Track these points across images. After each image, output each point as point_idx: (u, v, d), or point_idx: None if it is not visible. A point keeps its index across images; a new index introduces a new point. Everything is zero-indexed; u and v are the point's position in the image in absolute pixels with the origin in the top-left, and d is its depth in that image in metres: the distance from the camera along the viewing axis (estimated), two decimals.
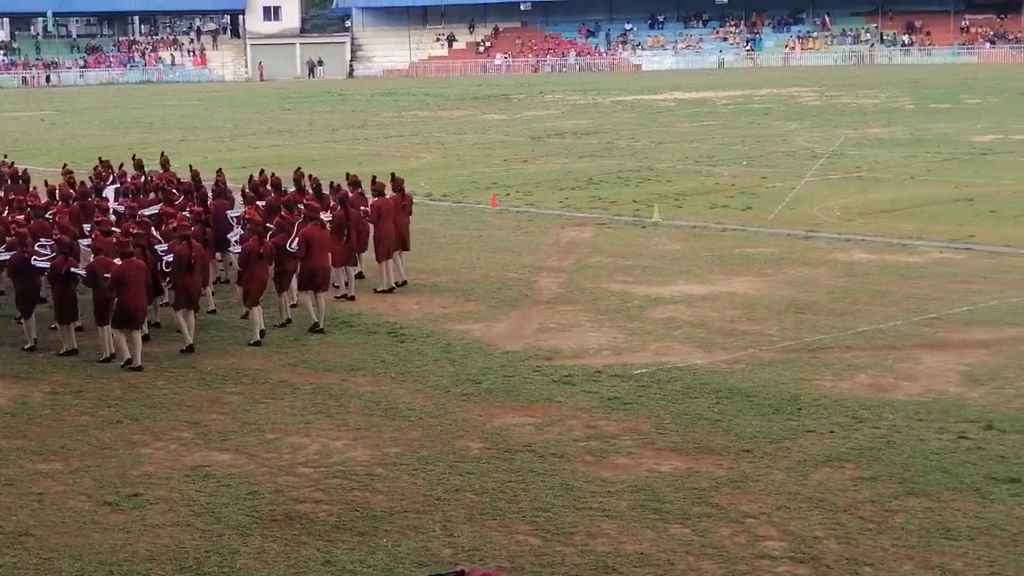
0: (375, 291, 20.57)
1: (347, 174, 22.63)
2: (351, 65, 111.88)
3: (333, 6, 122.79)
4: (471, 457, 12.64)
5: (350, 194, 21.12)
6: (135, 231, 17.85)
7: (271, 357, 16.80)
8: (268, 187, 22.61)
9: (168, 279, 18.04)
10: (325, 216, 19.69)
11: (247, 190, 22.21)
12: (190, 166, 25.18)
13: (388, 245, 20.75)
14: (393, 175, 21.82)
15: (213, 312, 19.29)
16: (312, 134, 51.78)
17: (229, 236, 20.08)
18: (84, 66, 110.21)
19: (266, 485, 11.99)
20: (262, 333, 17.56)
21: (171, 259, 17.55)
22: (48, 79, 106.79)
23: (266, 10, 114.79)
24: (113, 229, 18.60)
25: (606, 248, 23.99)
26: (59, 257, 17.36)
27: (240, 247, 18.38)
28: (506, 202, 30.41)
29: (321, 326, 18.08)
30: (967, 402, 13.97)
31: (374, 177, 21.59)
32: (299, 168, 23.71)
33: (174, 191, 22.68)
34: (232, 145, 47.20)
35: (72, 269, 17.35)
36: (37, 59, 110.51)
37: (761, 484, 11.69)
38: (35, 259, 17.74)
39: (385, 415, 14.08)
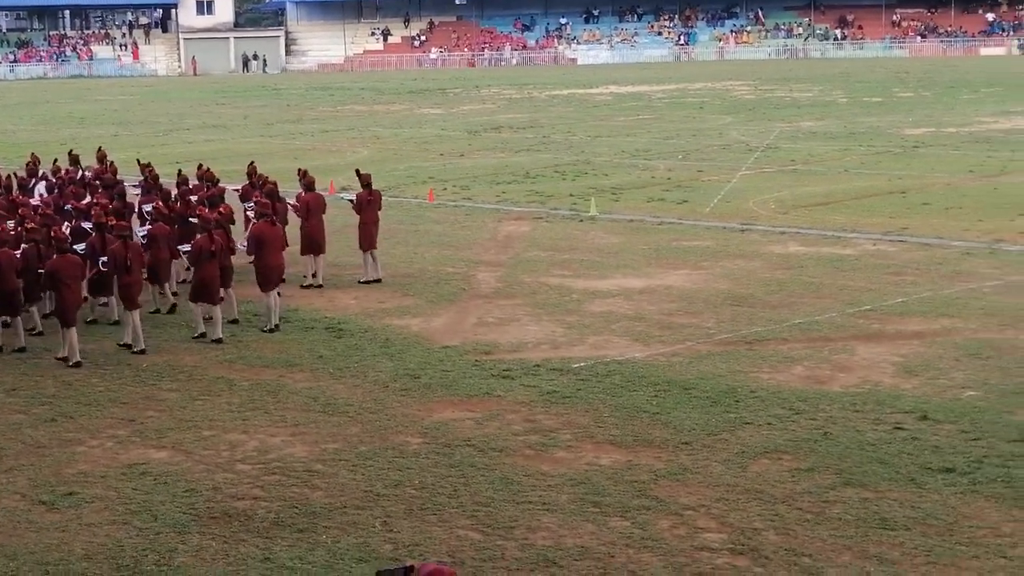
0: (300, 287, 20.42)
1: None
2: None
3: (267, 0, 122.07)
4: (410, 452, 12.60)
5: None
6: (30, 225, 17.73)
7: (207, 353, 16.67)
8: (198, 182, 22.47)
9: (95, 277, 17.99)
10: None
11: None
12: (138, 160, 25.01)
13: (316, 240, 20.63)
14: (358, 171, 21.74)
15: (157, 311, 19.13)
16: (247, 128, 51.46)
17: (136, 230, 19.78)
18: (14, 61, 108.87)
19: (204, 482, 11.89)
20: (202, 335, 17.40)
21: (106, 259, 17.39)
22: None
23: (199, 4, 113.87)
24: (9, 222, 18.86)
25: (543, 242, 24.01)
26: None
27: (190, 245, 18.17)
28: (443, 196, 30.37)
29: (276, 323, 17.91)
30: (902, 393, 14.11)
31: (304, 171, 21.43)
32: (252, 162, 23.52)
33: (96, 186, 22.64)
34: (166, 140, 46.82)
35: None
36: None
37: (700, 476, 11.75)
38: None
39: (323, 411, 14.01)
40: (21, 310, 17.46)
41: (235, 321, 18.22)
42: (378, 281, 20.72)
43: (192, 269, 18.38)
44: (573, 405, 13.95)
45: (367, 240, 20.90)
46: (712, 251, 22.57)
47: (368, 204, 21.00)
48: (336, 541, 10.47)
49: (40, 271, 17.13)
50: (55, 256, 16.67)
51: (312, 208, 20.70)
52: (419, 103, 63.89)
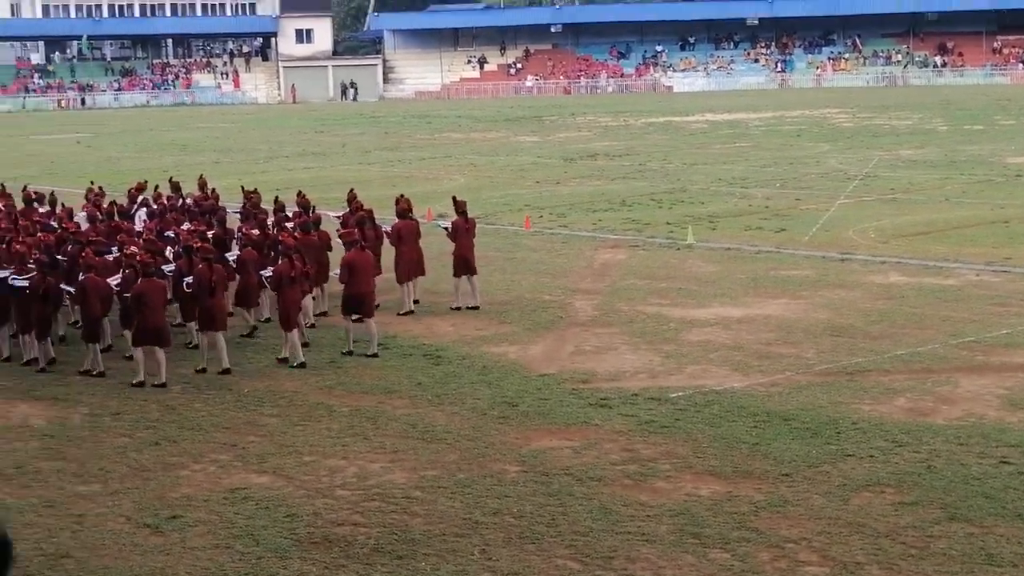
0: (397, 314, 20.52)
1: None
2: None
3: (365, 28, 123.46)
4: (509, 480, 12.61)
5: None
6: (127, 251, 18.13)
7: (307, 379, 16.82)
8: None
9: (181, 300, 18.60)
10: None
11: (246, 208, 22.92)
12: (242, 187, 25.37)
13: (409, 268, 20.77)
14: (455, 198, 21.92)
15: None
16: (345, 156, 51.98)
17: (228, 256, 20.07)
18: (118, 89, 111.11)
19: (304, 508, 11.99)
20: (305, 345, 17.72)
21: (191, 281, 17.79)
22: (83, 102, 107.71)
23: (298, 32, 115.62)
24: (108, 250, 19.48)
25: (640, 270, 23.96)
26: (37, 276, 17.80)
27: (272, 271, 18.50)
28: (539, 224, 30.44)
29: (375, 351, 18.04)
30: (1008, 426, 13.86)
31: (398, 198, 21.64)
32: (352, 190, 23.76)
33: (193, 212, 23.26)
34: (266, 167, 47.41)
35: (62, 286, 17.71)
36: (72, 82, 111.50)
37: (801, 508, 11.63)
38: (13, 278, 18.06)
39: (422, 438, 14.07)
40: (101, 338, 17.90)
41: (312, 326, 18.80)
42: (476, 308, 20.81)
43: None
44: (671, 435, 13.88)
45: (461, 267, 21.02)
46: (811, 280, 22.38)
47: (464, 232, 21.13)
48: (435, 568, 10.49)
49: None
50: (140, 280, 17.08)
51: (404, 235, 20.85)
52: (515, 131, 64.12)
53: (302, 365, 17.41)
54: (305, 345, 18.08)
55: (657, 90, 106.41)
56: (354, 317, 18.30)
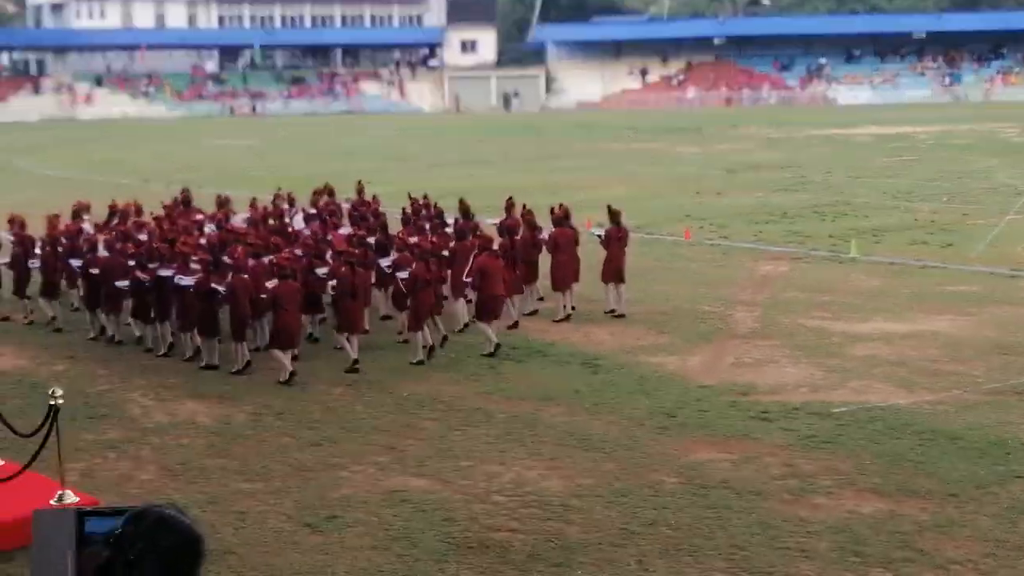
0: (553, 321, 20.60)
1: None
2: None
3: (529, 40, 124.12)
4: (666, 491, 12.50)
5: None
6: (287, 255, 18.42)
7: (466, 384, 16.92)
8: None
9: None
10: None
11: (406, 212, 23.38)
12: (409, 193, 25.59)
13: (565, 275, 20.84)
14: (609, 207, 21.90)
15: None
16: (507, 164, 52.21)
17: (381, 262, 20.23)
18: (288, 96, 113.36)
19: (461, 512, 12.03)
20: (430, 351, 18.19)
21: (335, 283, 18.14)
22: (254, 109, 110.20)
23: (463, 43, 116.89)
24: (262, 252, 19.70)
25: (802, 283, 23.61)
26: (203, 275, 18.17)
27: (407, 273, 18.67)
28: (699, 234, 30.21)
29: (492, 350, 18.30)
30: None
31: (554, 207, 21.68)
32: (510, 198, 23.89)
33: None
34: (429, 175, 47.81)
35: (213, 286, 18.03)
36: (244, 90, 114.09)
37: (967, 530, 11.31)
38: (179, 277, 18.43)
39: (579, 446, 14.03)
40: (248, 337, 18.37)
41: (446, 337, 18.93)
42: (622, 316, 20.79)
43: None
44: (833, 451, 13.62)
45: (611, 274, 21.09)
46: (979, 297, 21.81)
47: (615, 240, 21.19)
48: None
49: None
50: (276, 282, 17.45)
51: (560, 243, 20.93)
52: (676, 142, 63.77)
53: (420, 363, 17.89)
54: (435, 347, 18.43)
55: (820, 102, 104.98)
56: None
